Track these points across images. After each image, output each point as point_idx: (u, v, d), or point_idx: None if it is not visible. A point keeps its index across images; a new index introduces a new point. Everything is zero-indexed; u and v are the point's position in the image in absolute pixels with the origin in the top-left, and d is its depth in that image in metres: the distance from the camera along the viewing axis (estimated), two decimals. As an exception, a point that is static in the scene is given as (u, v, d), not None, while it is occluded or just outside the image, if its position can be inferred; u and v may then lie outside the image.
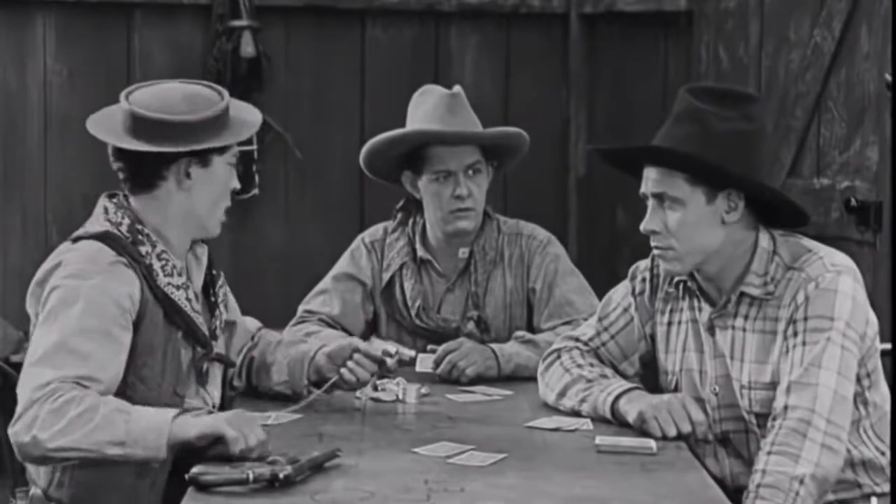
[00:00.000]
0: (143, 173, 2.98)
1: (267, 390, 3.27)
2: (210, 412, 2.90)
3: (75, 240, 2.95)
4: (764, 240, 2.96)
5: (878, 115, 4.21)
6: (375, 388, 3.31)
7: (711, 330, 3.01)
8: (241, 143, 3.13)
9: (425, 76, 5.14)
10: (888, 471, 2.94)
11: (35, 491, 2.97)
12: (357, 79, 5.51)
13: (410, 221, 3.85)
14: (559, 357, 3.23)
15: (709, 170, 2.87)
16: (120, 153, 2.98)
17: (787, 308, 2.89)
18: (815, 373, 2.80)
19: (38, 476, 2.95)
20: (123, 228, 2.95)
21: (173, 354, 2.96)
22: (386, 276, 3.82)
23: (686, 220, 2.91)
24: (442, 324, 3.77)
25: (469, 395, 3.39)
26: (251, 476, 2.50)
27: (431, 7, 5.51)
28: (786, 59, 4.67)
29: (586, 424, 3.03)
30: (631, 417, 2.96)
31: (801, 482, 2.70)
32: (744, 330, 2.96)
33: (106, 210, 2.99)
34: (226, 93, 3.05)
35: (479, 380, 3.51)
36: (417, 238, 3.82)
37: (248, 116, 3.09)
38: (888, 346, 3.13)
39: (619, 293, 3.21)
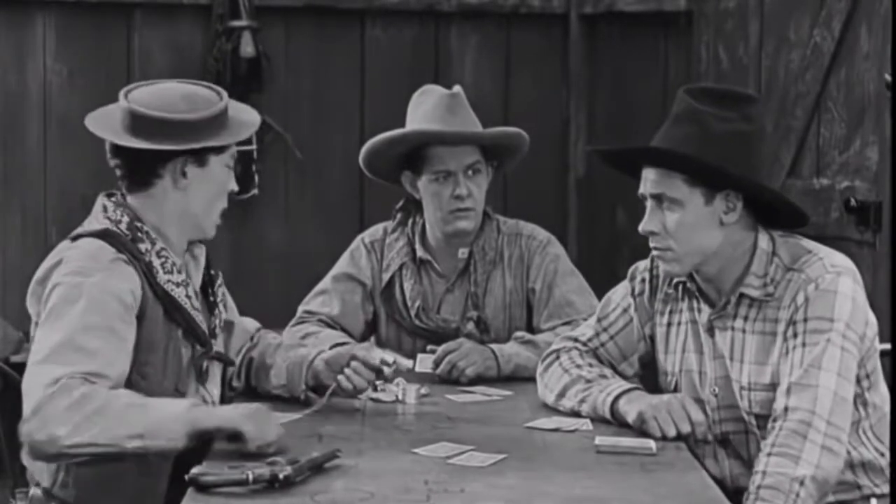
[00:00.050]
0: (140, 171, 2.98)
1: (265, 392, 3.27)
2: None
3: (75, 238, 2.95)
4: (763, 241, 2.96)
5: (878, 115, 4.21)
6: (375, 389, 3.31)
7: (711, 331, 3.01)
8: (240, 144, 3.13)
9: (425, 76, 5.14)
10: (888, 472, 2.94)
11: (34, 491, 2.97)
12: (357, 79, 5.52)
13: (410, 222, 3.85)
14: (558, 358, 3.23)
15: (707, 171, 2.87)
16: (117, 150, 2.98)
17: (786, 309, 2.89)
18: (815, 374, 2.80)
19: (42, 476, 2.95)
20: (123, 226, 2.96)
21: (174, 352, 2.97)
22: (385, 277, 3.82)
23: (684, 221, 2.91)
24: (441, 324, 3.77)
25: (469, 395, 3.39)
26: (251, 477, 2.50)
27: (431, 7, 5.51)
28: (786, 59, 4.67)
29: (586, 425, 3.03)
30: (630, 418, 2.96)
31: (802, 483, 2.70)
32: (743, 331, 2.96)
33: (105, 208, 3.00)
34: (225, 93, 3.06)
35: (478, 380, 3.51)
36: (417, 238, 3.82)
37: (246, 117, 3.10)
38: (888, 346, 3.13)
39: (619, 294, 3.21)
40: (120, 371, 2.81)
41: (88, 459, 2.76)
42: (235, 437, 2.72)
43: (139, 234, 2.96)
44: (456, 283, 3.81)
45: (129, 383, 2.86)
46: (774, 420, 2.81)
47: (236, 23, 5.26)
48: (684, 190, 2.90)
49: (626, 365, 3.21)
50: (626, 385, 3.06)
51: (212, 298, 3.12)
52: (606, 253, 5.43)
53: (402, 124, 3.78)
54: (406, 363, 3.24)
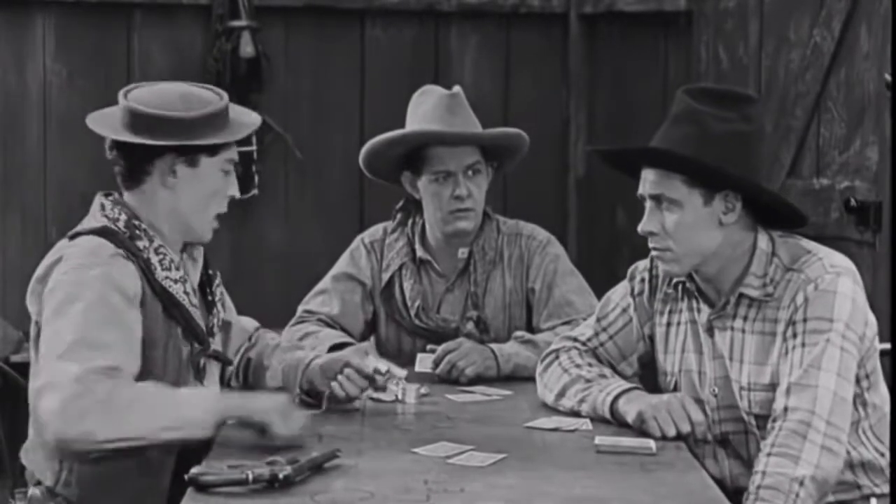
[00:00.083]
0: (132, 167, 2.99)
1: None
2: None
3: (73, 236, 2.96)
4: (762, 241, 2.96)
5: (878, 115, 4.21)
6: (376, 389, 3.31)
7: (710, 331, 3.01)
8: (240, 144, 3.13)
9: (425, 76, 5.14)
10: (888, 472, 2.94)
11: (33, 491, 2.97)
12: (357, 79, 5.52)
13: (410, 222, 3.85)
14: (557, 357, 3.23)
15: (706, 171, 2.87)
16: (114, 147, 3.00)
17: (786, 309, 2.89)
18: (814, 374, 2.80)
19: (45, 474, 2.96)
20: (120, 224, 2.96)
21: (173, 349, 2.97)
22: (385, 277, 3.82)
23: (683, 222, 2.91)
24: (441, 324, 3.77)
25: (468, 395, 3.39)
26: (251, 476, 2.50)
27: (431, 7, 5.51)
28: (785, 59, 4.67)
29: (585, 424, 3.03)
30: (630, 417, 2.95)
31: (801, 484, 2.70)
32: (743, 331, 2.96)
33: (102, 207, 3.00)
34: (225, 95, 3.05)
35: (478, 380, 3.51)
36: (417, 238, 3.82)
37: (245, 119, 3.10)
38: (888, 346, 3.13)
39: (618, 293, 3.21)
40: (133, 362, 2.83)
41: (93, 458, 2.78)
42: (262, 429, 2.78)
43: (137, 232, 2.96)
44: (456, 283, 3.81)
45: None
46: (774, 420, 2.81)
47: (236, 23, 5.26)
48: (683, 190, 2.90)
49: (626, 365, 3.21)
50: (626, 385, 3.06)
51: (210, 298, 3.12)
52: (606, 253, 5.43)
53: (402, 124, 3.78)
54: (400, 373, 3.24)
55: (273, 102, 5.30)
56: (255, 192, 5.32)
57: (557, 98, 5.61)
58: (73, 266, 2.86)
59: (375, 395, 3.30)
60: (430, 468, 2.68)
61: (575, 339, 3.25)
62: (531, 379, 3.34)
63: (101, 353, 2.75)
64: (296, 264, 5.23)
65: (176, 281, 2.98)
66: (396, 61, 5.50)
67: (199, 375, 3.06)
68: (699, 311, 3.04)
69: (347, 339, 3.69)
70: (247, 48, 5.23)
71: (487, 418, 3.14)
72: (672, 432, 2.89)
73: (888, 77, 4.00)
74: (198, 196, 3.01)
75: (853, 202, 4.26)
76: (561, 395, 3.15)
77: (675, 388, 3.07)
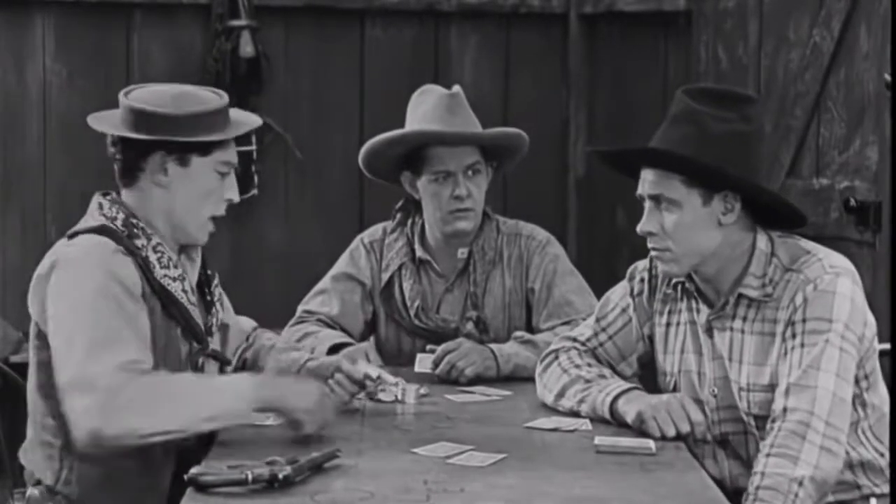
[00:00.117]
0: (125, 163, 3.00)
1: None
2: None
3: (72, 235, 2.96)
4: (762, 241, 2.96)
5: (878, 115, 4.21)
6: (375, 390, 3.30)
7: (710, 332, 3.01)
8: (239, 144, 3.13)
9: (425, 76, 5.14)
10: (887, 472, 2.94)
11: (32, 491, 2.97)
12: (357, 79, 5.52)
13: (409, 222, 3.85)
14: (557, 358, 3.23)
15: (705, 171, 2.87)
16: (112, 143, 3.01)
17: (785, 310, 2.89)
18: (813, 375, 2.80)
19: (45, 473, 2.96)
20: (118, 223, 2.96)
21: (172, 347, 2.97)
22: (385, 277, 3.82)
23: (682, 222, 2.91)
24: (441, 324, 3.77)
25: (468, 395, 3.40)
26: (250, 477, 2.50)
27: (431, 7, 5.51)
28: (785, 58, 4.67)
29: (585, 425, 3.03)
30: (630, 418, 2.96)
31: (800, 484, 2.70)
32: (742, 332, 2.96)
33: (100, 206, 3.01)
34: (225, 97, 3.05)
35: (477, 380, 3.51)
36: (416, 238, 3.82)
37: (243, 120, 3.10)
38: (887, 346, 3.13)
39: (618, 294, 3.21)
40: (149, 354, 2.84)
41: (91, 456, 2.79)
42: (294, 422, 2.83)
43: (135, 231, 2.96)
44: (455, 283, 3.81)
45: None
46: (773, 421, 2.81)
47: (236, 22, 5.26)
48: (682, 191, 2.90)
49: (625, 365, 3.21)
50: (625, 385, 3.06)
51: (209, 298, 3.12)
52: (606, 253, 5.43)
53: (402, 124, 3.78)
54: (391, 380, 3.24)
55: (273, 102, 5.30)
56: (254, 192, 5.32)
57: (557, 98, 5.61)
58: (75, 264, 2.86)
59: (376, 395, 3.30)
60: (429, 468, 2.68)
61: (574, 340, 3.25)
62: (531, 379, 3.34)
63: (122, 348, 2.76)
64: (296, 264, 5.23)
65: (175, 279, 2.98)
66: (396, 61, 5.50)
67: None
68: (698, 311, 3.04)
69: (347, 339, 3.69)
70: (247, 48, 5.23)
71: (487, 418, 3.14)
72: (671, 432, 2.89)
73: (888, 77, 4.00)
74: (190, 196, 2.99)
75: (853, 202, 4.26)
76: (560, 395, 3.15)
77: (675, 389, 3.07)
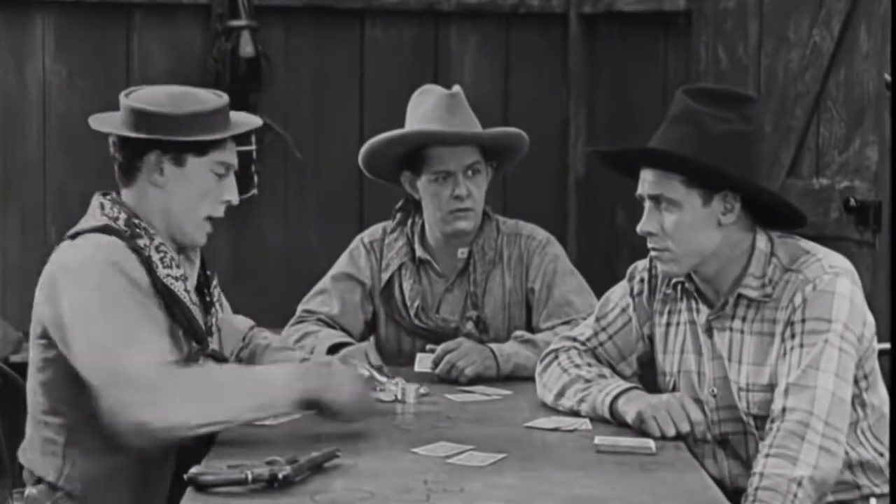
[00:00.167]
0: (123, 162, 3.00)
1: None
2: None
3: (74, 236, 2.95)
4: (761, 241, 2.96)
5: (878, 115, 4.21)
6: (374, 389, 3.31)
7: (709, 332, 3.01)
8: (239, 144, 3.12)
9: (425, 76, 5.14)
10: (887, 472, 2.94)
11: (31, 491, 2.97)
12: (356, 79, 5.52)
13: (409, 222, 3.85)
14: (557, 357, 3.23)
15: (705, 172, 2.87)
16: (112, 142, 3.01)
17: (784, 310, 2.89)
18: (812, 375, 2.80)
19: (47, 471, 2.95)
20: (120, 223, 2.97)
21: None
22: (385, 276, 3.82)
23: (682, 222, 2.91)
24: (441, 324, 3.77)
25: (468, 395, 3.40)
26: (250, 476, 2.50)
27: (431, 7, 5.51)
28: (785, 58, 4.67)
29: (585, 424, 3.03)
30: (630, 417, 2.95)
31: (800, 484, 2.70)
32: (741, 332, 2.96)
33: (102, 206, 3.00)
34: (225, 98, 3.05)
35: (477, 380, 3.51)
36: (416, 238, 3.83)
37: (244, 121, 3.10)
38: (887, 346, 3.13)
39: (618, 293, 3.21)
40: (171, 345, 2.86)
41: (93, 452, 2.81)
42: (335, 413, 2.87)
43: (137, 230, 2.96)
44: (455, 283, 3.81)
45: None
46: (772, 421, 2.81)
47: (236, 22, 5.26)
48: (682, 191, 2.90)
49: (625, 365, 3.21)
50: (625, 385, 3.06)
51: (208, 298, 3.12)
52: (606, 253, 5.43)
53: (402, 124, 3.78)
54: (383, 380, 3.24)
55: (273, 102, 5.30)
56: (254, 191, 5.32)
57: (557, 98, 5.61)
58: (90, 264, 2.85)
59: (374, 395, 3.30)
60: (429, 468, 2.68)
61: (574, 339, 3.25)
62: (531, 379, 3.34)
63: (152, 341, 2.78)
64: (296, 264, 5.23)
65: (177, 279, 2.98)
66: (396, 61, 5.50)
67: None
68: (698, 311, 3.04)
69: (347, 339, 3.69)
70: (246, 48, 5.23)
71: (487, 418, 3.14)
72: (671, 432, 2.89)
73: (888, 77, 4.01)
74: (186, 196, 2.99)
75: (853, 202, 4.26)
76: (560, 394, 3.15)
77: (675, 389, 3.07)
